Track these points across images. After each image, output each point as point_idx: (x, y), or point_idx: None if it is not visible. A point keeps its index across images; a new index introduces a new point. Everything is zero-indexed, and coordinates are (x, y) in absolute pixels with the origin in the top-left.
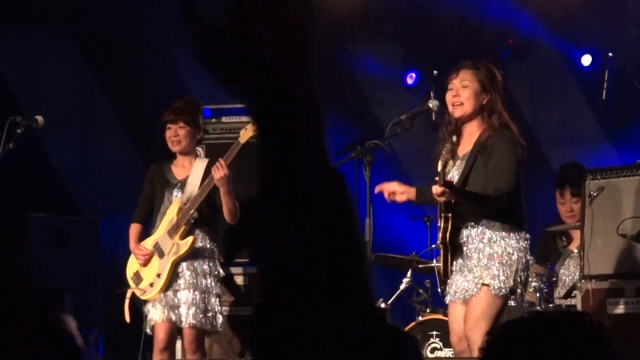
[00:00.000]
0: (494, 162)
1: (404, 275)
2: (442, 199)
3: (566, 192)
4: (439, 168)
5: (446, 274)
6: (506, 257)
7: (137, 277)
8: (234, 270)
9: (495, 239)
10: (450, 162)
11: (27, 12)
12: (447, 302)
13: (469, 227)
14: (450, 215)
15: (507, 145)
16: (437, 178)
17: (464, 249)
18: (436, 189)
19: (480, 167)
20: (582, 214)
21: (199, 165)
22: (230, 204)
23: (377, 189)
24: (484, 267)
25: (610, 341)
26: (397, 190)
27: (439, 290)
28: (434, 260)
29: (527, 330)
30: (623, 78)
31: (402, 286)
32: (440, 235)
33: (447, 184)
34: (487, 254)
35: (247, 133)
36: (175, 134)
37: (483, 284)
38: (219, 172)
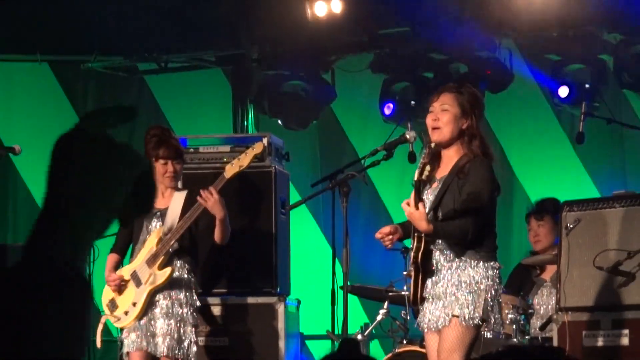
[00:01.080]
0: (468, 189)
1: (381, 307)
2: (407, 212)
3: (531, 219)
4: (415, 180)
5: (415, 301)
6: (475, 287)
7: (112, 305)
8: (211, 300)
9: (463, 267)
10: (427, 185)
11: (2, 38)
12: (422, 331)
13: (439, 252)
14: (422, 235)
15: (484, 172)
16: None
17: (434, 275)
18: (406, 205)
19: (455, 190)
20: (559, 246)
21: (179, 196)
22: (224, 229)
23: (377, 236)
24: (452, 296)
25: None
26: (391, 231)
27: (408, 318)
28: (404, 287)
29: None
30: (600, 110)
31: (379, 317)
32: (412, 255)
33: (420, 202)
34: (456, 283)
35: (232, 168)
36: (173, 170)
37: (453, 315)
38: (210, 199)
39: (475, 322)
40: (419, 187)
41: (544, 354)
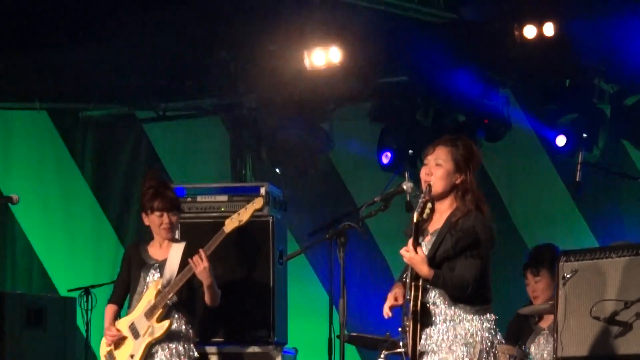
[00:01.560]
0: (460, 244)
1: (378, 355)
2: (407, 257)
3: (527, 273)
4: (414, 221)
5: (414, 355)
6: (470, 339)
7: (110, 357)
8: (209, 349)
9: (458, 320)
10: (420, 238)
11: (1, 86)
12: None
13: (434, 305)
14: (420, 284)
15: (475, 224)
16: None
17: (430, 326)
18: (405, 251)
19: (449, 245)
20: (556, 296)
21: (177, 247)
22: (212, 294)
23: (387, 314)
24: (447, 349)
25: None
26: (396, 297)
27: None
28: (401, 344)
29: None
30: (597, 160)
31: None
32: (410, 306)
33: (419, 247)
34: (451, 337)
35: (232, 223)
36: (169, 222)
37: None
38: (200, 265)
39: None
40: (418, 230)
41: None
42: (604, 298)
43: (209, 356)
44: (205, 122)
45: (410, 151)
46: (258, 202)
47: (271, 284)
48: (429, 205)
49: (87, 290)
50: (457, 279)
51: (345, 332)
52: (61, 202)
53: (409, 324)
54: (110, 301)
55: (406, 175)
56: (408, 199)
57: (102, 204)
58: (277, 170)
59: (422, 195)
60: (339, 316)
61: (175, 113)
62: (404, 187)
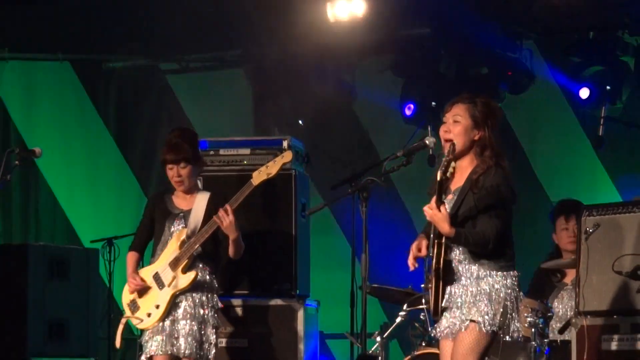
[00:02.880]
0: (484, 202)
1: (400, 309)
2: (429, 214)
3: (571, 217)
4: (438, 179)
5: (436, 311)
6: (494, 295)
7: (134, 305)
8: (231, 301)
9: (482, 277)
10: (443, 196)
11: (24, 37)
12: (438, 338)
13: (458, 262)
14: (443, 241)
15: (499, 180)
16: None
17: (454, 283)
18: (428, 208)
19: (471, 204)
20: (578, 250)
21: (201, 197)
22: (237, 247)
23: (413, 265)
24: (471, 304)
25: None
26: (419, 248)
27: (430, 329)
28: (423, 301)
29: None
30: (621, 113)
31: (398, 319)
32: (433, 263)
33: (442, 204)
34: (475, 292)
35: (260, 176)
36: (178, 175)
37: (471, 320)
38: (226, 219)
39: (491, 328)
40: (441, 188)
41: None
42: (626, 253)
43: (232, 309)
44: (228, 74)
45: (433, 103)
46: (287, 156)
47: (294, 238)
48: (453, 164)
49: (109, 241)
50: (478, 237)
51: (368, 284)
52: (84, 153)
53: (432, 280)
54: (131, 248)
55: (429, 129)
56: (431, 152)
57: (125, 156)
58: (300, 122)
59: (446, 154)
60: (361, 270)
61: (198, 65)
62: (427, 142)
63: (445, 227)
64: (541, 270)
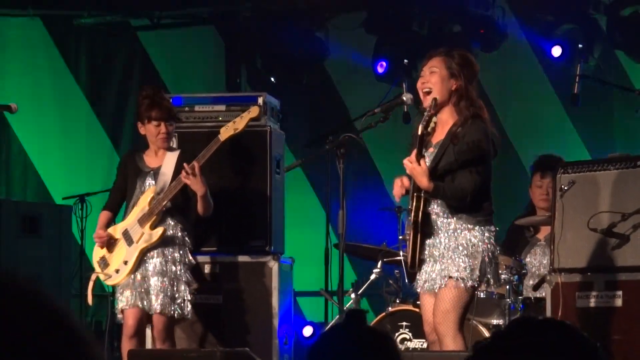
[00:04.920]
0: (464, 157)
1: (374, 266)
2: (409, 168)
3: (547, 175)
4: (419, 133)
5: (414, 263)
6: (472, 249)
7: (103, 262)
8: (202, 258)
9: (460, 231)
10: (424, 150)
11: None
12: (418, 291)
13: (436, 215)
14: (422, 194)
15: (478, 133)
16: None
17: (432, 237)
18: (408, 161)
19: (451, 155)
20: (553, 207)
21: (171, 155)
22: (205, 204)
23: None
24: (449, 259)
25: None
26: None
27: (406, 281)
28: (401, 252)
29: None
30: (592, 71)
31: (372, 276)
32: (411, 216)
33: (422, 158)
34: (453, 246)
35: (227, 131)
36: (166, 131)
37: (449, 277)
38: (190, 176)
39: (471, 284)
40: (422, 142)
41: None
42: (601, 210)
43: (206, 265)
44: (200, 30)
45: (406, 61)
46: (254, 111)
47: (268, 194)
48: (434, 118)
49: (82, 198)
50: (456, 191)
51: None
52: (56, 110)
53: (410, 233)
54: (104, 208)
55: (404, 86)
56: (406, 109)
57: (97, 112)
58: (272, 79)
59: (428, 108)
60: (339, 227)
61: (170, 21)
62: (404, 98)
63: (424, 181)
64: (515, 227)
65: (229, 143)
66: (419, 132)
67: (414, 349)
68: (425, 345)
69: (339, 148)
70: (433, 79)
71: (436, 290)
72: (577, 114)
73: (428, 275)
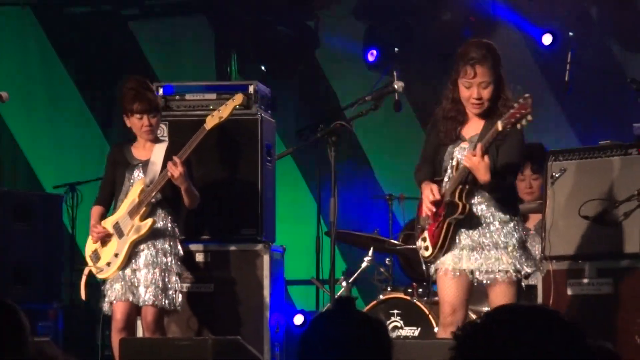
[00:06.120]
0: (506, 151)
1: (366, 254)
2: (474, 161)
3: (526, 168)
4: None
5: (442, 250)
6: (521, 244)
7: (95, 256)
8: (193, 247)
9: (505, 223)
10: (453, 144)
11: None
12: (438, 270)
13: (477, 205)
14: (466, 187)
15: (519, 135)
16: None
17: (472, 228)
18: (472, 155)
19: (493, 151)
20: (544, 195)
21: (160, 147)
22: (190, 196)
23: (431, 210)
24: (503, 250)
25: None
26: (432, 192)
27: (424, 269)
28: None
29: (502, 329)
30: (583, 59)
31: (364, 264)
32: (459, 207)
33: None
34: (503, 239)
35: (213, 120)
36: (149, 124)
37: (515, 271)
38: (175, 170)
39: (522, 276)
40: (494, 138)
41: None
42: (593, 197)
43: (197, 254)
44: (191, 19)
45: (396, 49)
46: (238, 98)
47: (259, 182)
48: (529, 117)
49: (72, 187)
50: (502, 183)
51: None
52: (46, 99)
53: (441, 221)
54: (96, 202)
55: (395, 74)
56: (397, 98)
57: (87, 101)
58: (263, 67)
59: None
60: (330, 215)
61: (160, 10)
62: (395, 86)
63: (487, 175)
64: None
65: (220, 132)
66: (500, 128)
67: (405, 337)
68: (417, 333)
69: (330, 136)
70: (487, 95)
71: (490, 281)
72: (568, 102)
73: (476, 262)
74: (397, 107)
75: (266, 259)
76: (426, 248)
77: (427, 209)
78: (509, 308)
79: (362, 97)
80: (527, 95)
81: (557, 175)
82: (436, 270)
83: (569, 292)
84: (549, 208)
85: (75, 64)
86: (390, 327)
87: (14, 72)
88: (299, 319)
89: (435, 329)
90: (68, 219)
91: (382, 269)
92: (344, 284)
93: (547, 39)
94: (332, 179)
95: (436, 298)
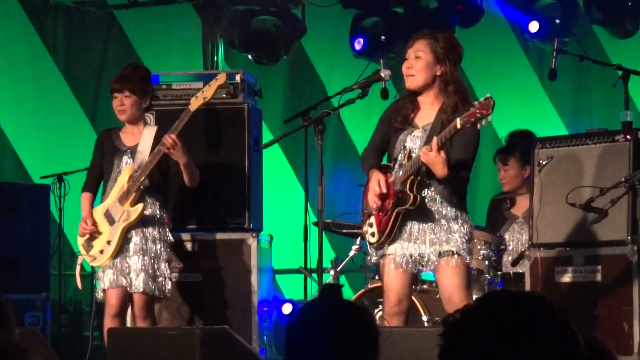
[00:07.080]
0: (461, 146)
1: (353, 242)
2: (429, 156)
3: (497, 162)
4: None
5: (389, 236)
6: (465, 230)
7: (88, 245)
8: (183, 236)
9: (453, 217)
10: (403, 130)
11: None
12: (385, 258)
13: (430, 200)
14: (418, 179)
15: (475, 131)
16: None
17: (421, 219)
18: (427, 150)
19: (448, 145)
20: (532, 182)
21: (148, 132)
22: (190, 173)
23: (376, 203)
24: (443, 239)
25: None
26: (379, 184)
27: (370, 255)
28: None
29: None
30: (570, 46)
31: (351, 253)
32: (409, 198)
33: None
34: (446, 228)
35: (197, 101)
36: (121, 103)
37: (457, 253)
38: (172, 147)
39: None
40: (452, 133)
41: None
42: (580, 185)
43: (184, 243)
44: (177, 8)
45: (383, 37)
46: (221, 78)
47: (246, 171)
48: (489, 118)
49: (60, 177)
50: (460, 179)
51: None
52: (33, 88)
53: (390, 209)
54: (84, 189)
55: (382, 62)
56: (384, 86)
57: (75, 90)
58: (249, 56)
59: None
60: (317, 203)
61: None
62: (382, 74)
63: (444, 170)
64: (494, 203)
65: (206, 121)
66: (458, 126)
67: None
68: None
69: (317, 124)
70: (418, 65)
71: (434, 266)
72: (554, 89)
73: (415, 251)
74: (384, 95)
75: (254, 248)
76: (372, 234)
77: (372, 200)
78: (498, 294)
79: (348, 86)
80: (488, 95)
81: (544, 163)
82: (382, 257)
83: (557, 279)
84: (536, 196)
85: (61, 53)
86: (377, 315)
87: (0, 63)
88: (287, 308)
89: (424, 317)
90: (56, 210)
91: (369, 258)
92: (331, 272)
93: (533, 27)
94: (319, 168)
95: (425, 286)
